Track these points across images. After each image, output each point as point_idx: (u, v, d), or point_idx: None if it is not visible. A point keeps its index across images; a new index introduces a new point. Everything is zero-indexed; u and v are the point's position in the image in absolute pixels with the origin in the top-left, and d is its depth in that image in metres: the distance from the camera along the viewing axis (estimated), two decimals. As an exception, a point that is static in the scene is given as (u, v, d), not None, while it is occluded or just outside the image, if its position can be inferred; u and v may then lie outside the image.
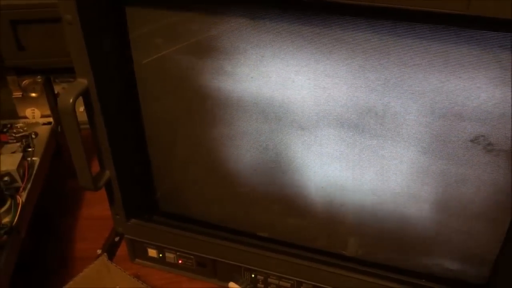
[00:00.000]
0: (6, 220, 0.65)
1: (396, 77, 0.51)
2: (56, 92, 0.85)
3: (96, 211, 0.88)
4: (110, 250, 0.81)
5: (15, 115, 0.84)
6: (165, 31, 0.58)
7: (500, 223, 0.57)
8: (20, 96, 0.82)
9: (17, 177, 0.69)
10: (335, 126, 0.57)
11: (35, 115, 0.84)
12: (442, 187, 0.56)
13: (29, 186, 0.71)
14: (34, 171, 0.73)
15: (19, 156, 0.71)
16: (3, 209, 0.65)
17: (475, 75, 0.48)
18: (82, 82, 0.60)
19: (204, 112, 0.62)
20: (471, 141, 0.51)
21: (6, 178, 0.69)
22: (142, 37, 0.59)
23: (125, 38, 0.60)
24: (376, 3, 0.44)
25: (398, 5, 0.44)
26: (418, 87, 0.50)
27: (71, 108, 0.59)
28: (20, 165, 0.70)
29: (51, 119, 0.84)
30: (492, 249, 0.59)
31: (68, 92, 0.59)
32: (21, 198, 0.68)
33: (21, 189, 0.70)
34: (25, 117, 0.84)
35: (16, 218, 0.65)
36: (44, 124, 0.83)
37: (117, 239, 0.84)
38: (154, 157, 0.70)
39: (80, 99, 0.60)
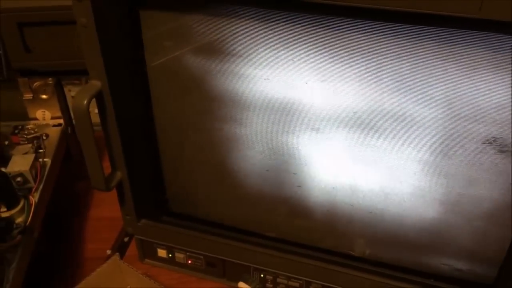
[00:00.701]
0: (19, 220, 0.65)
1: (410, 79, 0.51)
2: (62, 94, 0.87)
3: (105, 212, 0.89)
4: (120, 250, 0.82)
5: (25, 117, 0.85)
6: (177, 33, 0.59)
7: (509, 224, 0.58)
8: (31, 98, 0.83)
9: (30, 178, 0.70)
10: (347, 127, 0.58)
11: (45, 117, 0.85)
12: (453, 188, 0.57)
13: (41, 186, 0.71)
14: (46, 172, 0.74)
15: (31, 157, 0.72)
16: (17, 209, 0.66)
17: (488, 77, 0.49)
18: (96, 84, 0.61)
19: (216, 113, 0.63)
20: (483, 142, 0.52)
21: (19, 179, 0.69)
22: (155, 39, 0.60)
23: (138, 40, 0.60)
24: (391, 7, 0.45)
25: (413, 9, 0.44)
26: (431, 89, 0.51)
27: (85, 109, 0.60)
28: (33, 166, 0.71)
29: (61, 121, 0.85)
30: (500, 249, 0.60)
31: (82, 94, 0.60)
32: (34, 199, 0.69)
33: (33, 189, 0.71)
34: (36, 119, 0.85)
35: (30, 218, 0.65)
36: (54, 125, 0.83)
37: (126, 239, 0.85)
38: (165, 157, 0.70)
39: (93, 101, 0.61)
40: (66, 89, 0.91)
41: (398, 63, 0.51)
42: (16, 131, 0.80)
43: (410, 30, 0.48)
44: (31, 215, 0.66)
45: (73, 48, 1.07)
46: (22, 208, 0.67)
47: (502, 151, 0.52)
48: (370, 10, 0.47)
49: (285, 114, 0.59)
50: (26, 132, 0.79)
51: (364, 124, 0.56)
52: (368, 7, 0.47)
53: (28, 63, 1.10)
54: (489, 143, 0.52)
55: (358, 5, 0.46)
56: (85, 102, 0.59)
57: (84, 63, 1.16)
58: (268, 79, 0.58)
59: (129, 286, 0.69)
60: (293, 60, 0.55)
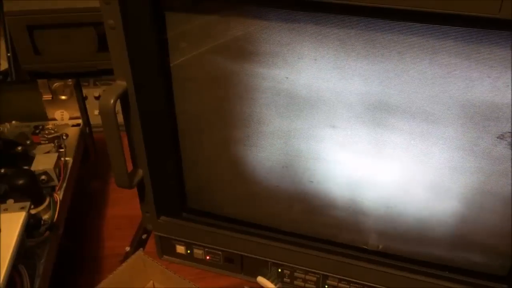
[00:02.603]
0: (45, 217, 0.67)
1: (429, 77, 0.54)
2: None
3: (121, 211, 0.91)
4: (138, 247, 0.84)
5: (44, 117, 0.86)
6: (201, 33, 0.61)
7: (522, 216, 0.60)
8: (50, 99, 0.84)
9: (54, 176, 0.72)
10: (365, 124, 0.60)
11: (63, 117, 0.86)
12: (468, 183, 0.59)
13: (64, 185, 0.73)
14: (68, 171, 0.75)
15: (55, 156, 0.74)
16: (43, 206, 0.68)
17: (503, 74, 0.51)
18: (122, 84, 0.63)
19: (235, 111, 0.65)
20: (498, 137, 0.54)
21: (43, 177, 0.71)
22: (179, 40, 0.62)
23: (163, 41, 0.62)
24: (413, 7, 0.47)
25: (435, 10, 0.47)
26: (449, 86, 0.53)
27: (112, 108, 0.62)
28: (56, 164, 0.73)
29: (79, 121, 0.86)
30: (513, 241, 0.62)
31: (108, 93, 0.62)
32: (58, 196, 0.70)
33: (57, 187, 0.72)
34: (54, 119, 0.86)
35: (56, 214, 0.67)
36: (73, 125, 0.85)
37: (144, 236, 0.86)
38: (185, 155, 0.72)
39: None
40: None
41: (418, 62, 0.53)
42: (37, 131, 0.81)
43: (430, 30, 0.51)
44: (57, 212, 0.68)
45: (82, 50, 1.10)
46: (48, 206, 0.68)
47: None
48: (390, 10, 0.49)
49: (304, 111, 0.61)
50: (46, 132, 0.81)
51: (382, 121, 0.58)
52: (388, 7, 0.49)
53: (38, 65, 1.12)
54: (504, 138, 0.54)
55: (378, 5, 0.48)
56: (112, 101, 0.61)
57: (93, 65, 1.18)
58: (287, 77, 0.60)
59: (151, 281, 0.71)
60: (315, 60, 0.57)
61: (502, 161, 0.56)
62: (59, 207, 0.69)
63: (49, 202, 0.68)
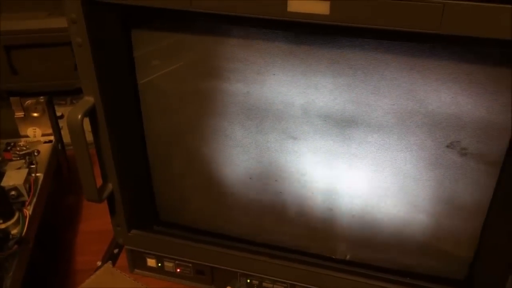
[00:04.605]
0: (14, 231, 0.68)
1: (379, 91, 0.56)
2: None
3: (95, 225, 0.92)
4: (110, 261, 0.85)
5: (16, 134, 0.87)
6: (166, 51, 0.64)
7: (477, 222, 0.63)
8: (22, 116, 0.85)
9: (24, 192, 0.73)
10: (324, 135, 0.62)
11: (36, 134, 0.88)
12: (424, 191, 0.62)
13: (34, 200, 0.74)
14: (39, 186, 0.77)
15: (25, 171, 0.75)
16: (12, 221, 0.68)
17: (448, 86, 0.54)
18: (89, 100, 0.65)
19: (202, 126, 0.67)
20: (447, 146, 0.57)
21: (13, 193, 0.72)
22: (146, 57, 0.64)
23: (130, 59, 0.64)
24: (361, 24, 0.50)
25: (380, 26, 0.50)
26: (400, 99, 0.56)
27: (79, 124, 0.63)
28: (26, 180, 0.74)
29: (51, 138, 0.87)
30: (469, 246, 0.64)
31: (76, 109, 0.64)
32: (28, 211, 0.71)
33: (27, 203, 0.73)
34: (26, 136, 0.88)
35: (25, 229, 0.68)
36: (45, 142, 0.86)
37: (116, 251, 0.87)
38: (155, 169, 0.74)
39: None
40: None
41: (370, 76, 0.56)
42: (9, 148, 0.82)
43: (378, 45, 0.54)
44: (26, 226, 0.69)
45: (60, 69, 1.11)
46: (17, 220, 0.69)
47: (465, 154, 0.57)
48: (338, 27, 0.51)
49: (265, 124, 0.64)
50: (18, 149, 0.82)
51: (339, 133, 0.61)
52: (335, 25, 0.52)
53: (15, 85, 1.13)
54: (453, 147, 0.57)
55: (331, 23, 0.51)
56: (79, 116, 0.63)
57: (71, 84, 1.20)
58: (248, 92, 0.62)
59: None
60: (274, 74, 0.59)
61: (453, 169, 0.59)
62: (29, 221, 0.70)
63: (19, 217, 0.69)
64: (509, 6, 0.46)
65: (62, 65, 1.10)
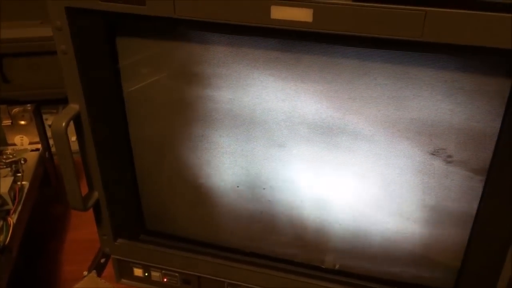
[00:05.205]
0: (-2, 240, 0.67)
1: (363, 98, 0.56)
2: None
3: (82, 235, 0.91)
4: (96, 271, 0.84)
5: (3, 142, 0.87)
6: (151, 58, 0.63)
7: (463, 230, 0.62)
8: (10, 124, 0.85)
9: (8, 200, 0.72)
10: (310, 143, 0.62)
11: (23, 142, 0.87)
12: (409, 198, 0.62)
13: (19, 208, 0.73)
14: (24, 195, 0.76)
15: (10, 180, 0.74)
16: (-5, 229, 0.68)
17: (431, 93, 0.54)
18: (74, 107, 0.65)
19: (188, 134, 0.67)
20: (432, 154, 0.57)
21: (-3, 201, 0.71)
22: (131, 66, 0.64)
23: (115, 66, 0.64)
24: (340, 31, 0.50)
25: (362, 33, 0.50)
26: (385, 106, 0.56)
27: (63, 131, 0.63)
28: (11, 188, 0.73)
29: (39, 146, 0.87)
30: (457, 254, 0.64)
31: (61, 116, 0.64)
32: (12, 220, 0.71)
33: (11, 211, 0.73)
34: (14, 144, 0.87)
35: (8, 237, 0.67)
36: (32, 150, 0.86)
37: (103, 260, 0.86)
38: (141, 177, 0.73)
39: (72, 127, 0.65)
40: (43, 118, 0.94)
41: (353, 83, 0.56)
42: (-5, 156, 0.82)
43: (363, 53, 0.54)
44: (9, 235, 0.68)
45: (52, 77, 1.11)
46: (1, 229, 0.68)
47: (450, 161, 0.57)
48: (322, 34, 0.51)
49: (250, 132, 0.63)
50: (4, 157, 0.81)
51: (324, 141, 0.61)
52: (318, 32, 0.52)
53: (7, 93, 1.13)
54: (437, 155, 0.57)
55: (312, 30, 0.51)
56: (64, 124, 0.63)
57: (62, 92, 1.19)
58: (231, 99, 0.62)
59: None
60: (259, 81, 0.59)
61: (439, 177, 0.59)
62: (13, 230, 0.69)
63: (2, 225, 0.69)
64: (491, 13, 0.46)
65: (53, 73, 1.10)
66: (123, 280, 0.82)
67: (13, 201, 0.73)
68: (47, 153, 0.88)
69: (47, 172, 0.88)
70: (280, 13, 0.51)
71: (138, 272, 0.80)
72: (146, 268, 0.80)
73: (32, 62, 1.11)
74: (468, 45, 0.48)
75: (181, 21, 0.55)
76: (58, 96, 1.14)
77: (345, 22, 0.50)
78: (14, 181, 0.75)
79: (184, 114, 0.66)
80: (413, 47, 0.50)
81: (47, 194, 0.88)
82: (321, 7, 0.50)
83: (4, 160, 0.81)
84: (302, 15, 0.51)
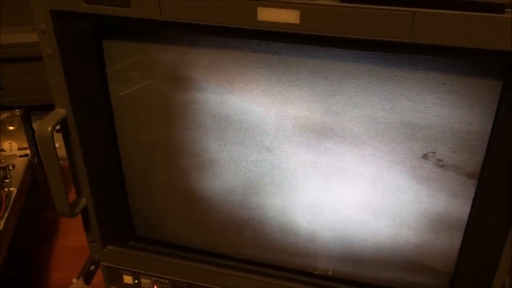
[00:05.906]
0: (-17, 247, 0.66)
1: (353, 101, 0.56)
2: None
3: (72, 242, 0.90)
4: (86, 279, 0.82)
5: (-8, 148, 0.86)
6: (139, 63, 0.63)
7: (456, 235, 0.61)
8: (-2, 129, 0.84)
9: (-5, 206, 0.71)
10: (300, 147, 0.61)
11: (12, 148, 0.86)
12: (400, 202, 0.61)
13: (6, 215, 0.72)
14: (11, 201, 0.75)
15: (-3, 186, 0.73)
16: (-19, 237, 0.67)
17: (425, 96, 0.53)
18: (61, 111, 0.64)
19: (178, 139, 0.66)
20: (422, 157, 0.56)
21: (-17, 208, 0.70)
22: (118, 69, 0.63)
23: (102, 71, 0.63)
24: (331, 33, 0.50)
25: (351, 35, 0.49)
26: (375, 109, 0.55)
27: (49, 136, 0.62)
28: (-2, 194, 0.72)
29: (28, 151, 0.86)
30: (449, 259, 0.63)
31: (47, 121, 0.62)
32: (-1, 227, 0.69)
33: (-2, 218, 0.72)
34: (2, 150, 0.86)
35: (-6, 244, 0.66)
36: (21, 156, 0.85)
37: (92, 268, 0.85)
38: (130, 183, 0.72)
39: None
40: (34, 124, 0.93)
41: (343, 85, 0.55)
42: (-18, 162, 0.81)
43: (352, 55, 0.53)
44: (-5, 241, 0.67)
45: (45, 83, 1.10)
46: (-13, 236, 0.67)
47: (441, 165, 0.56)
48: (311, 36, 0.51)
49: (239, 135, 0.63)
50: (-8, 163, 0.80)
51: (314, 144, 0.60)
52: (313, 34, 0.51)
53: (1, 99, 1.12)
54: (427, 158, 0.56)
55: (301, 32, 0.51)
56: (49, 128, 0.62)
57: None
58: (222, 102, 0.61)
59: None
60: (246, 84, 0.58)
61: (430, 181, 0.58)
62: (-1, 237, 0.68)
63: (-12, 233, 0.68)
64: (481, 14, 0.46)
65: (47, 79, 1.10)
66: (113, 288, 0.81)
67: (0, 207, 0.72)
68: (36, 158, 0.87)
69: (37, 178, 0.87)
70: (267, 14, 0.51)
71: (127, 279, 0.79)
72: (135, 275, 0.78)
73: (25, 68, 1.11)
74: (457, 47, 0.47)
75: (167, 24, 0.54)
76: (51, 101, 1.14)
77: (332, 24, 0.49)
78: (2, 187, 0.74)
79: (173, 118, 0.65)
80: (402, 48, 0.50)
81: (36, 200, 0.87)
82: (308, 8, 0.49)
83: (-9, 166, 0.80)
84: (289, 16, 0.50)
